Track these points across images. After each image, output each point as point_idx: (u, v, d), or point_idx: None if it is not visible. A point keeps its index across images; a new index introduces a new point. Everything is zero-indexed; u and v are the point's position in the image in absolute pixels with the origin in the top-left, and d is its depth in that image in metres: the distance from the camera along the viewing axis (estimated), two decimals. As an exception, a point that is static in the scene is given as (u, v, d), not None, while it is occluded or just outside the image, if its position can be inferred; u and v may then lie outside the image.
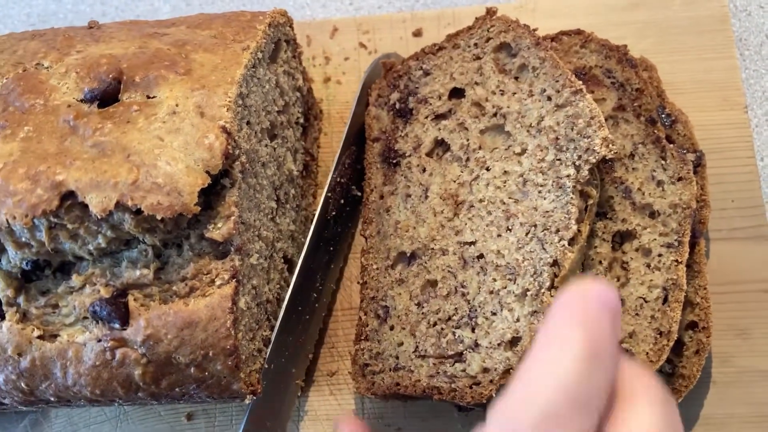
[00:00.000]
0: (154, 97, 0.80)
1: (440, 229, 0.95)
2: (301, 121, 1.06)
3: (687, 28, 1.13)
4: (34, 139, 0.78)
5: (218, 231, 0.77)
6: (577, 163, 0.87)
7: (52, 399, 0.84)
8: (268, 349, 0.92)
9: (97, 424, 1.05)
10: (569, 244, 0.85)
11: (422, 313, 0.94)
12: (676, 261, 0.90)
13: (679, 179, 0.94)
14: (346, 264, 1.08)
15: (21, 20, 1.34)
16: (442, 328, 0.91)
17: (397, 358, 0.93)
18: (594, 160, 0.86)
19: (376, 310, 0.97)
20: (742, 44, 1.17)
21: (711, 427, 0.97)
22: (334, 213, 1.02)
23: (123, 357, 0.78)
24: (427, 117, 1.01)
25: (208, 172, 0.76)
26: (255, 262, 0.86)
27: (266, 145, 0.91)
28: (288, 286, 0.98)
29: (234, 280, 0.78)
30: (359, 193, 1.06)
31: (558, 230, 0.86)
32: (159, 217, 0.74)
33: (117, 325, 0.78)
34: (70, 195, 0.75)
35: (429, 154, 1.00)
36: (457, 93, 1.01)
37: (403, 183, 1.00)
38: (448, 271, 0.93)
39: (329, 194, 1.01)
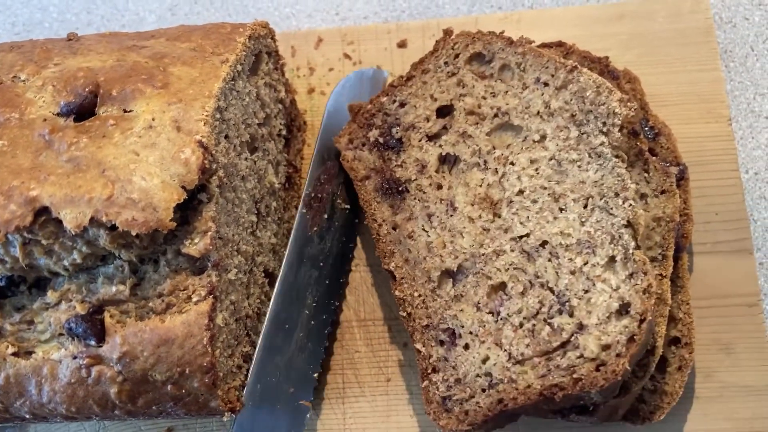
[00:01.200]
0: (130, 111, 0.79)
1: (485, 233, 0.94)
2: (284, 133, 1.06)
3: (672, 40, 1.12)
4: (9, 154, 0.77)
5: (195, 247, 0.76)
6: (604, 129, 0.90)
7: (28, 416, 0.83)
8: (251, 366, 0.91)
9: (76, 439, 1.04)
10: (635, 202, 0.87)
11: (501, 319, 0.90)
12: (661, 275, 0.90)
13: (663, 192, 0.93)
14: (347, 278, 1.07)
15: (6, 29, 1.33)
16: (534, 325, 0.88)
17: (489, 375, 0.89)
18: (619, 122, 0.89)
19: (436, 338, 0.93)
20: (727, 56, 1.17)
21: (694, 443, 0.96)
22: (316, 229, 1.01)
23: (99, 374, 0.78)
24: (421, 140, 1.01)
25: (184, 188, 0.75)
26: (233, 278, 0.85)
27: (246, 159, 0.91)
28: (269, 300, 0.97)
29: (211, 297, 0.77)
30: (347, 206, 1.05)
31: (617, 193, 0.87)
32: (134, 233, 0.73)
33: (93, 342, 0.77)
34: (44, 210, 0.74)
35: (437, 172, 0.99)
36: (443, 111, 1.01)
37: (420, 206, 0.98)
38: (514, 269, 0.91)
39: (305, 211, 1.00)
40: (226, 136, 0.84)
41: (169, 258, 0.77)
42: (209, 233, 0.76)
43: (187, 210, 0.77)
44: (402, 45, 1.18)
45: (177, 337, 0.76)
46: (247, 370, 0.90)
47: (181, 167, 0.75)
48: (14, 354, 0.78)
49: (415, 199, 0.99)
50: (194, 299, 0.77)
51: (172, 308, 0.77)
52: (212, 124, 0.79)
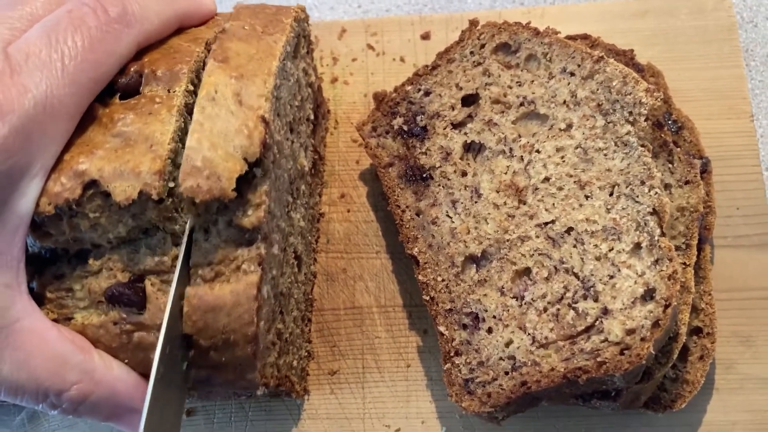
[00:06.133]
0: (174, 91, 0.80)
1: (510, 219, 0.94)
2: (312, 118, 1.06)
3: (694, 37, 1.13)
4: None
5: (248, 219, 0.77)
6: (630, 119, 0.90)
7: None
8: (281, 344, 0.92)
9: (94, 419, 1.04)
10: (660, 190, 0.87)
11: (525, 304, 0.91)
12: (684, 264, 0.90)
13: (687, 183, 0.94)
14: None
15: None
16: (558, 309, 0.89)
17: (512, 358, 0.89)
18: (645, 111, 0.89)
19: (459, 321, 0.94)
20: (748, 55, 1.18)
21: (713, 434, 0.97)
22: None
23: (139, 340, 0.78)
24: (445, 128, 1.01)
25: (245, 159, 0.75)
26: (276, 252, 0.86)
27: (287, 139, 0.92)
28: (297, 282, 0.98)
29: (260, 268, 0.77)
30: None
31: (643, 181, 0.88)
32: (197, 200, 0.73)
33: (134, 309, 0.78)
34: (92, 184, 0.75)
35: (462, 159, 1.00)
36: (468, 99, 1.02)
37: (444, 192, 0.99)
38: (539, 255, 0.91)
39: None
40: (278, 114, 0.85)
41: (220, 228, 0.78)
42: (263, 206, 0.77)
43: (241, 182, 0.77)
44: (425, 37, 1.19)
45: (225, 305, 0.76)
46: (280, 348, 0.90)
47: (245, 140, 0.75)
48: (54, 320, 0.78)
49: (439, 185, 1.00)
50: (243, 269, 0.77)
51: (220, 277, 0.77)
52: (272, 101, 0.80)
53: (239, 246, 0.77)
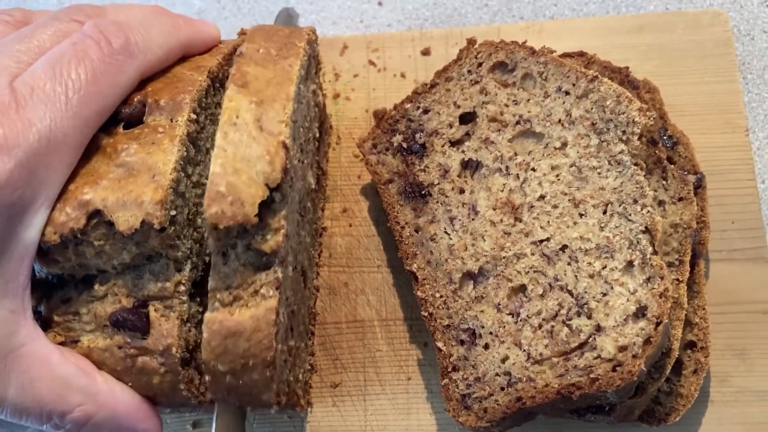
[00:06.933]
0: (177, 120, 0.82)
1: (506, 237, 0.96)
2: (317, 135, 1.08)
3: (690, 51, 1.15)
4: None
5: (267, 243, 0.78)
6: (623, 138, 0.92)
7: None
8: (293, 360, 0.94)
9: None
10: (652, 208, 0.89)
11: (521, 320, 0.93)
12: (677, 280, 0.92)
13: (680, 199, 0.96)
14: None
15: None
16: (552, 326, 0.91)
17: (508, 374, 0.91)
18: (638, 130, 0.91)
19: (457, 337, 0.95)
20: (745, 68, 1.19)
21: (708, 446, 0.98)
22: None
23: (143, 365, 0.80)
24: (443, 146, 1.03)
25: (266, 185, 0.77)
26: (290, 274, 0.87)
27: (299, 160, 0.93)
28: (302, 297, 0.99)
29: (278, 292, 0.79)
30: None
31: (635, 200, 0.90)
32: (221, 227, 0.74)
33: (138, 334, 0.80)
34: (96, 213, 0.77)
35: (459, 176, 1.02)
36: (466, 117, 1.04)
37: (442, 209, 1.01)
38: (534, 272, 0.93)
39: None
40: (294, 138, 0.87)
41: (239, 252, 0.79)
42: (281, 231, 0.78)
43: (260, 207, 0.78)
44: (426, 53, 1.21)
45: (245, 330, 0.77)
46: (292, 364, 0.92)
47: (266, 166, 0.76)
48: (61, 343, 0.81)
49: (437, 202, 1.02)
50: (262, 293, 0.78)
51: (239, 301, 0.78)
52: (291, 126, 0.81)
53: (257, 270, 0.78)
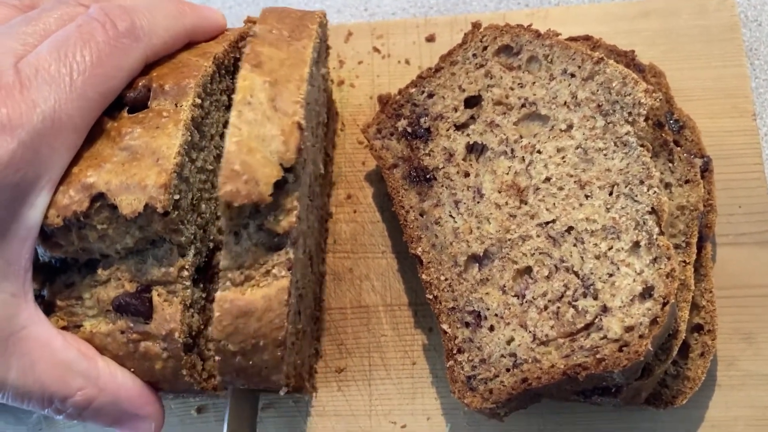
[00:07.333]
0: (181, 105, 0.82)
1: (512, 219, 0.96)
2: (326, 120, 1.08)
3: (697, 36, 1.14)
4: None
5: (280, 224, 0.78)
6: (629, 119, 0.92)
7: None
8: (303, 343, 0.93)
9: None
10: (659, 189, 0.89)
11: (526, 302, 0.92)
12: (684, 261, 0.92)
13: (687, 182, 0.95)
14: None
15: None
16: (558, 307, 0.90)
17: (513, 355, 0.91)
18: (644, 111, 0.91)
19: (462, 319, 0.95)
20: (752, 54, 1.18)
21: (715, 430, 0.98)
22: None
23: (145, 350, 0.80)
24: (448, 130, 1.03)
25: (281, 165, 0.77)
26: (301, 256, 0.87)
27: (310, 143, 0.93)
28: (309, 282, 0.99)
29: (290, 272, 0.78)
30: None
31: (642, 181, 0.90)
32: (236, 204, 0.74)
33: (141, 319, 0.80)
34: (99, 197, 0.76)
35: (464, 160, 1.01)
36: (471, 101, 1.03)
37: (447, 193, 1.01)
38: (540, 254, 0.93)
39: None
40: (306, 120, 0.87)
41: (251, 232, 0.79)
42: (294, 212, 0.78)
43: (274, 187, 0.78)
44: (430, 39, 1.21)
45: (257, 310, 0.77)
46: (298, 347, 0.92)
47: (281, 146, 0.76)
48: (64, 328, 0.81)
49: (442, 186, 1.01)
50: (274, 274, 0.78)
51: (250, 281, 0.78)
52: (305, 107, 0.81)
53: (269, 250, 0.78)
